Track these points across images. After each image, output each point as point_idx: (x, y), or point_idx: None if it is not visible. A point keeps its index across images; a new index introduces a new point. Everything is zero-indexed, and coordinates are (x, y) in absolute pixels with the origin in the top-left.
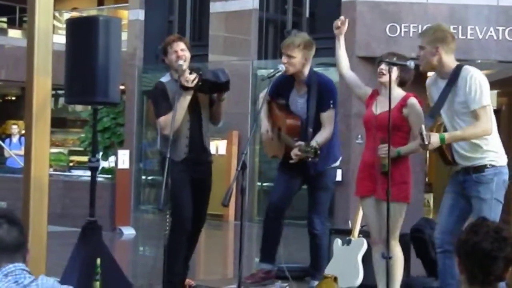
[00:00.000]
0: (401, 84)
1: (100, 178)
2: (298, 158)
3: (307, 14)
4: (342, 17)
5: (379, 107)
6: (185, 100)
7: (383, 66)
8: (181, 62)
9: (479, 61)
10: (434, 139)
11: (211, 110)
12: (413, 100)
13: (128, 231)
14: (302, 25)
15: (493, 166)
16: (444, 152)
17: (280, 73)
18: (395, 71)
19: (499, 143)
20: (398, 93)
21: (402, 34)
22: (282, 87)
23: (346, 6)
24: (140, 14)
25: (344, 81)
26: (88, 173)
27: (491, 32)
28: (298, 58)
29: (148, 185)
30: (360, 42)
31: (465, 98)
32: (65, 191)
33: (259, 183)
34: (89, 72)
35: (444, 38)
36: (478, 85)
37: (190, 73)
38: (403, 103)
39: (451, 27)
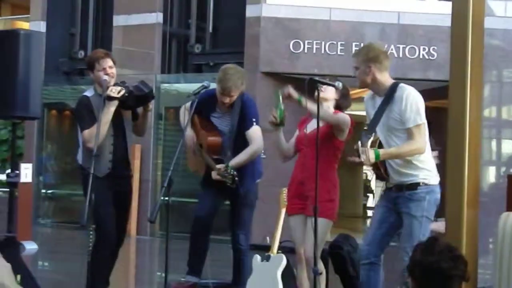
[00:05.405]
0: (338, 108)
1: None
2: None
3: (211, 29)
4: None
5: (309, 127)
6: (110, 112)
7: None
8: (106, 77)
9: None
10: (370, 155)
11: (136, 123)
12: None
13: (30, 246)
14: (206, 40)
15: (426, 184)
16: (378, 167)
17: (204, 90)
18: (333, 92)
19: (432, 162)
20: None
21: (306, 51)
22: (206, 105)
23: (250, 21)
24: (42, 26)
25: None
26: None
27: (392, 49)
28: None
29: (48, 199)
30: (263, 57)
31: (400, 115)
32: None
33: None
34: (9, 86)
35: (376, 57)
36: (413, 103)
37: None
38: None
39: (353, 44)
